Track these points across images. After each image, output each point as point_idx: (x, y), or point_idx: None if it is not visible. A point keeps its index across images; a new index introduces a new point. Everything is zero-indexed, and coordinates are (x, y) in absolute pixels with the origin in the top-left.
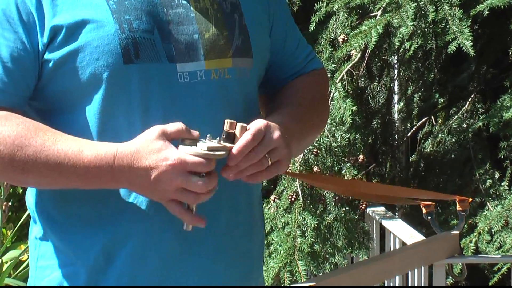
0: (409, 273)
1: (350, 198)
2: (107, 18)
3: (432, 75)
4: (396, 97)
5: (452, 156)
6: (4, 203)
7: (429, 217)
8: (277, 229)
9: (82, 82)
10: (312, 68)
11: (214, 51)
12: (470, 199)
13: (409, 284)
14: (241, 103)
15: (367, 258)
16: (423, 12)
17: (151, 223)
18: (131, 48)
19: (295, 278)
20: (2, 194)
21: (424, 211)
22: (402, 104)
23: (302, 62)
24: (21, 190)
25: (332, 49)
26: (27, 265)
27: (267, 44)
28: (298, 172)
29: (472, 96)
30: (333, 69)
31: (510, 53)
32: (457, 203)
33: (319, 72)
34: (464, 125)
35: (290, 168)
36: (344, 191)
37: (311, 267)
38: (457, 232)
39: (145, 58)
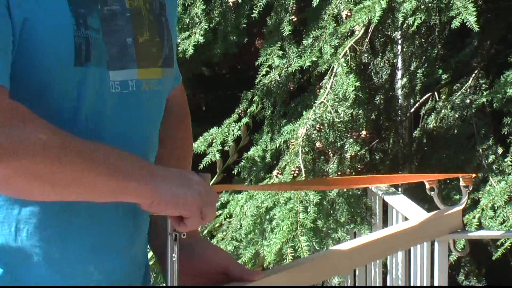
0: (412, 249)
1: (353, 174)
2: (64, 9)
3: (436, 51)
4: (399, 73)
5: (455, 131)
6: None
7: (432, 192)
8: (280, 205)
9: (28, 82)
10: (180, 80)
11: (147, 59)
12: (474, 175)
13: (412, 259)
14: (161, 115)
15: (369, 233)
16: None
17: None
18: (83, 49)
19: (297, 254)
20: None
21: (427, 186)
22: (405, 80)
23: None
24: None
25: (335, 24)
26: None
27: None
28: (299, 150)
29: (476, 71)
30: (336, 44)
31: None
32: (460, 179)
33: (182, 97)
34: (468, 101)
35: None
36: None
37: (314, 243)
38: (461, 207)
39: (94, 61)
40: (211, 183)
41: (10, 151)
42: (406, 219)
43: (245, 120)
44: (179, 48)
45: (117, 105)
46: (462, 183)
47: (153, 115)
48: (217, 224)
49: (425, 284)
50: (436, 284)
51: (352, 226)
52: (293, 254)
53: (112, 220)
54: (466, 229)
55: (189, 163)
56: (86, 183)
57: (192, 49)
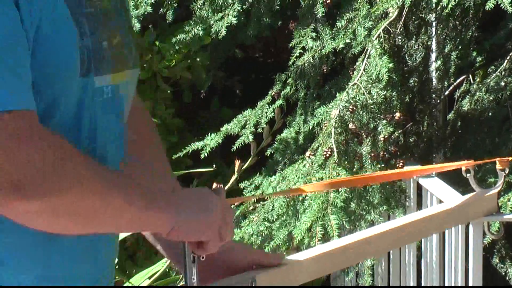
0: (446, 231)
1: (387, 156)
2: (67, 16)
3: (470, 33)
4: (433, 55)
5: (490, 114)
6: None
7: (468, 175)
8: None
9: (37, 97)
10: None
11: (120, 62)
12: (511, 158)
13: (446, 242)
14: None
15: (403, 216)
16: None
17: None
18: (86, 59)
19: (327, 233)
20: None
21: (463, 168)
22: (439, 62)
23: None
24: None
25: (369, 6)
26: None
27: None
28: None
29: (511, 54)
30: (370, 26)
31: None
32: (497, 162)
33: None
34: (502, 84)
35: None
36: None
37: (344, 222)
38: (496, 190)
39: (94, 70)
40: (247, 164)
41: (43, 186)
42: (440, 201)
43: (278, 102)
44: (212, 30)
45: (102, 113)
46: (498, 166)
47: (123, 122)
48: (251, 207)
49: (459, 266)
50: (470, 266)
51: (385, 208)
52: (322, 233)
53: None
54: (501, 211)
55: (148, 172)
56: (111, 215)
57: (225, 30)
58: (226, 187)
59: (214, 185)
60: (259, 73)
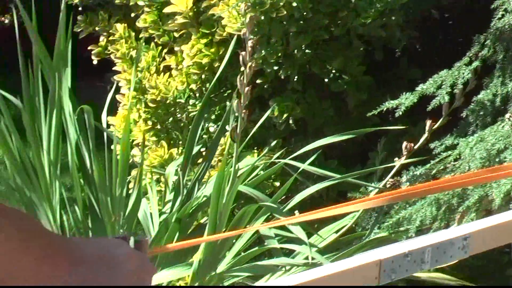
0: None
1: None
2: None
3: None
4: None
5: None
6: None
7: None
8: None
9: None
10: None
11: None
12: None
13: None
14: None
15: None
16: None
17: None
18: None
19: None
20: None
21: None
22: None
23: None
24: None
25: None
26: (257, 174)
27: None
28: None
29: None
30: None
31: None
32: None
33: None
34: None
35: None
36: None
37: None
38: None
39: None
40: (439, 124)
41: None
42: None
43: (475, 64)
44: None
45: None
46: None
47: None
48: (442, 167)
49: None
50: None
51: None
52: None
53: None
54: None
55: None
56: None
57: None
58: (416, 146)
59: (137, 238)
60: (448, 35)
